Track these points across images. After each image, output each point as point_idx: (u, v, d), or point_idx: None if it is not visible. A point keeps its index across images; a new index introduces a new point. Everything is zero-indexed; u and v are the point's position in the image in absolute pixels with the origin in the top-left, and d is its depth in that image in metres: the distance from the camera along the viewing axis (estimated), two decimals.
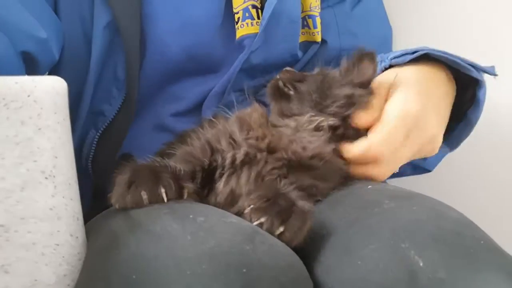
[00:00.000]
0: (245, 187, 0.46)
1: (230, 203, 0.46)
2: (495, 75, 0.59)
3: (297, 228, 0.40)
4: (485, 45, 0.83)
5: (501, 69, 0.81)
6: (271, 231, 0.39)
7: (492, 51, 0.83)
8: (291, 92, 0.55)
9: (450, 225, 0.38)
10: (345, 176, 0.51)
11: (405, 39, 0.86)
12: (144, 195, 0.40)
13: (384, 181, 0.57)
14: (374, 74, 0.55)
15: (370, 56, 0.55)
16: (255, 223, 0.40)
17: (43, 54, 0.54)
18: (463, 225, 0.39)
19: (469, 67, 0.55)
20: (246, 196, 0.45)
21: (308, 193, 0.46)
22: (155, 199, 0.41)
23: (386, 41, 0.82)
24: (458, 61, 0.55)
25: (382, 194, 0.45)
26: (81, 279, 0.37)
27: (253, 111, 0.52)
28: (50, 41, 0.54)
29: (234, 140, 0.49)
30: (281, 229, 0.40)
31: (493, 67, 0.61)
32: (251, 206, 0.41)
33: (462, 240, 0.37)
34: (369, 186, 0.48)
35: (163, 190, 0.41)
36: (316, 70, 0.58)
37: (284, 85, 0.56)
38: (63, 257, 0.38)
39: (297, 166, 0.48)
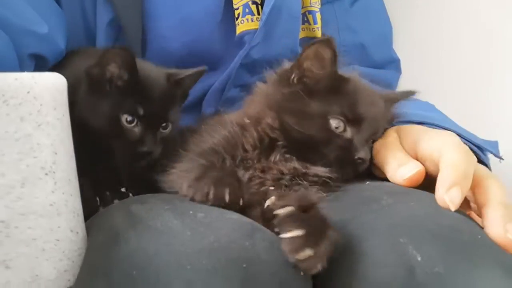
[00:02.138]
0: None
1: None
2: (500, 158, 0.55)
3: (323, 255, 0.35)
4: (485, 43, 0.83)
5: (502, 68, 0.82)
6: (294, 252, 0.34)
7: (492, 50, 0.83)
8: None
9: (448, 221, 0.39)
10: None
11: (404, 37, 0.86)
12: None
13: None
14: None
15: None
16: (286, 235, 0.35)
17: (48, 48, 0.54)
18: (461, 220, 0.39)
19: (475, 148, 0.52)
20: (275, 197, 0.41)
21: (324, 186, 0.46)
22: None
23: (386, 38, 0.82)
24: (468, 142, 0.51)
25: (380, 191, 0.46)
26: (82, 275, 0.38)
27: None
28: (54, 33, 0.54)
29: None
30: (309, 252, 0.34)
31: (496, 142, 0.57)
32: (285, 209, 0.36)
33: (460, 236, 0.37)
34: (367, 183, 0.48)
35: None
36: None
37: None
38: (64, 252, 0.38)
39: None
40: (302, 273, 0.36)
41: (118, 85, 0.52)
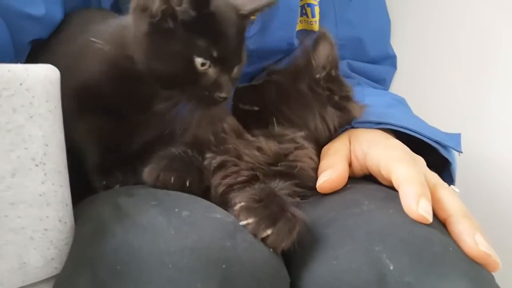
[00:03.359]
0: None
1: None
2: (460, 151, 0.56)
3: (284, 233, 0.40)
4: (482, 41, 0.84)
5: (498, 66, 0.82)
6: (256, 233, 0.39)
7: (489, 48, 0.84)
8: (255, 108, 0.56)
9: (422, 231, 0.40)
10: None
11: (401, 33, 0.86)
12: (173, 180, 0.44)
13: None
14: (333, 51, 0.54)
15: (323, 36, 0.55)
16: (242, 223, 0.40)
17: (45, 31, 0.54)
18: (435, 231, 0.41)
19: (435, 144, 0.54)
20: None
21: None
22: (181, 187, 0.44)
23: (384, 33, 0.82)
24: (425, 139, 0.54)
25: (362, 194, 0.47)
26: (68, 264, 0.39)
27: (230, 124, 0.53)
28: (51, 11, 0.54)
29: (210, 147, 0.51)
30: (268, 232, 0.39)
31: (458, 135, 0.58)
32: (242, 203, 0.41)
33: (431, 246, 0.39)
34: (348, 185, 0.50)
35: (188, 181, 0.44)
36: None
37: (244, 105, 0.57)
38: (51, 241, 0.39)
39: (270, 172, 0.49)
40: (271, 250, 0.40)
41: (185, 20, 0.43)
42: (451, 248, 0.39)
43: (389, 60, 0.83)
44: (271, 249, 0.39)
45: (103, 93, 0.47)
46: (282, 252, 0.41)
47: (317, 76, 0.55)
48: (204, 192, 0.48)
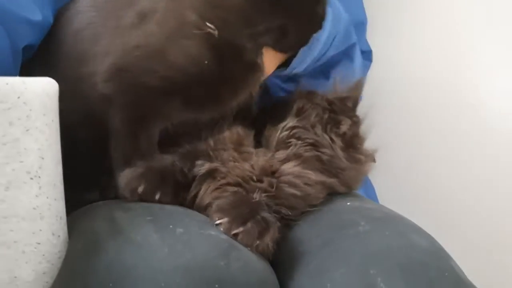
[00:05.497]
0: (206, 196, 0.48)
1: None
2: None
3: (255, 234, 0.41)
4: (458, 35, 0.84)
5: (476, 61, 0.83)
6: (228, 231, 0.41)
7: (465, 42, 0.84)
8: None
9: (418, 255, 0.40)
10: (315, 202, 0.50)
11: (377, 28, 0.86)
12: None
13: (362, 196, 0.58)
14: None
15: None
16: (216, 222, 0.42)
17: (40, 36, 0.53)
18: (431, 255, 0.41)
19: None
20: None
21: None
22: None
23: (360, 28, 0.81)
24: None
25: (359, 214, 0.47)
26: (60, 279, 0.39)
27: (231, 134, 0.53)
28: (47, 16, 0.53)
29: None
30: (240, 229, 0.41)
31: None
32: (216, 206, 0.44)
33: (427, 271, 0.38)
34: (348, 203, 0.49)
35: (157, 197, 0.45)
36: None
37: None
38: (44, 255, 0.39)
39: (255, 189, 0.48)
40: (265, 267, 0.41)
41: None
42: (447, 274, 0.39)
43: (364, 54, 0.83)
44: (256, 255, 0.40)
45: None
46: (280, 270, 0.41)
47: None
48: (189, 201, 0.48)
